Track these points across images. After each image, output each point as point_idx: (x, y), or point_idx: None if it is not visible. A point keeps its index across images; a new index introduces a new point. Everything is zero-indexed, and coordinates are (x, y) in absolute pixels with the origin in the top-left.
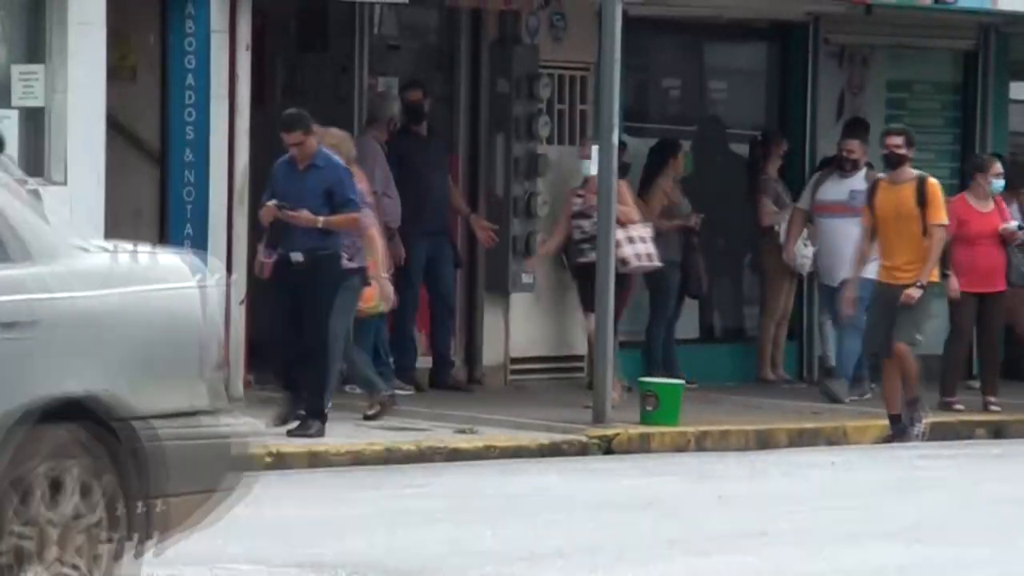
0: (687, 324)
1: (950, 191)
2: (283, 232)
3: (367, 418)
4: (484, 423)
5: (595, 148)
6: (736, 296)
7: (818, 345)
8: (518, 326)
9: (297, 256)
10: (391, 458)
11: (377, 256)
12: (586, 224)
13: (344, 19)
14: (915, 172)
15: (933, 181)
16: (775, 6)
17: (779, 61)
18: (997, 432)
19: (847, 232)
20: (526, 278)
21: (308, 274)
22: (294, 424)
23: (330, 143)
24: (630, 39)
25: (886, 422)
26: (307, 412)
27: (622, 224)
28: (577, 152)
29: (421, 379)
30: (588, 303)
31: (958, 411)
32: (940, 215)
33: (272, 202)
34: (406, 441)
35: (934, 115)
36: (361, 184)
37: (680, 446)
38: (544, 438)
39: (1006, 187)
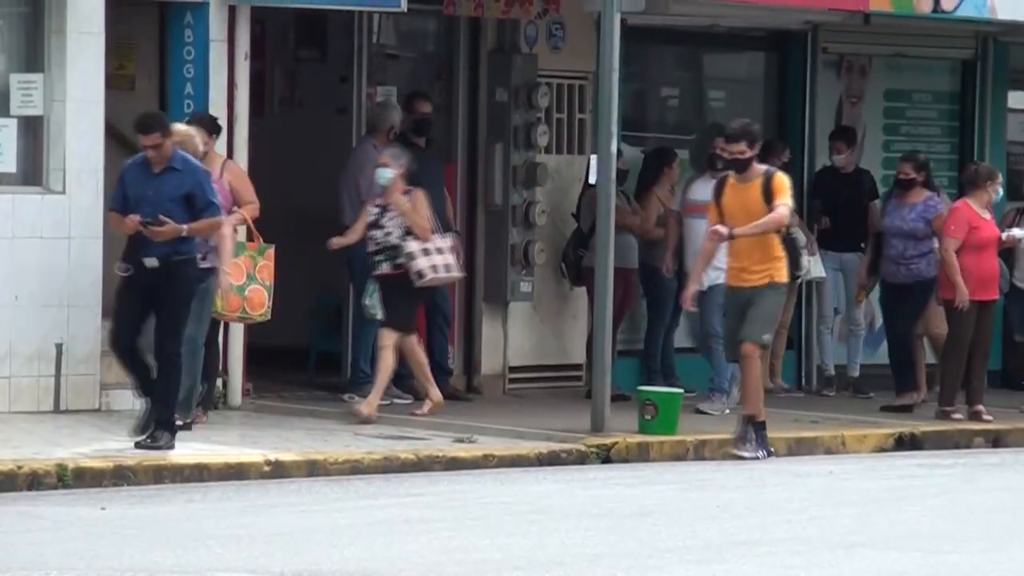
0: (685, 333)
1: (948, 200)
2: (137, 237)
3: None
4: (483, 432)
5: (594, 157)
6: None
7: (816, 354)
8: (516, 335)
9: (152, 261)
10: (390, 467)
11: (226, 254)
12: (378, 235)
13: (343, 28)
14: (763, 168)
15: (781, 175)
16: (773, 15)
17: (777, 70)
18: (995, 441)
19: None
20: (524, 287)
21: (163, 279)
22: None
23: (175, 141)
24: (629, 48)
25: (885, 431)
26: (156, 422)
27: (418, 237)
28: (376, 160)
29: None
30: (395, 319)
31: (956, 420)
32: (785, 198)
33: (137, 217)
34: (405, 450)
35: (932, 124)
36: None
37: (678, 455)
38: (543, 447)
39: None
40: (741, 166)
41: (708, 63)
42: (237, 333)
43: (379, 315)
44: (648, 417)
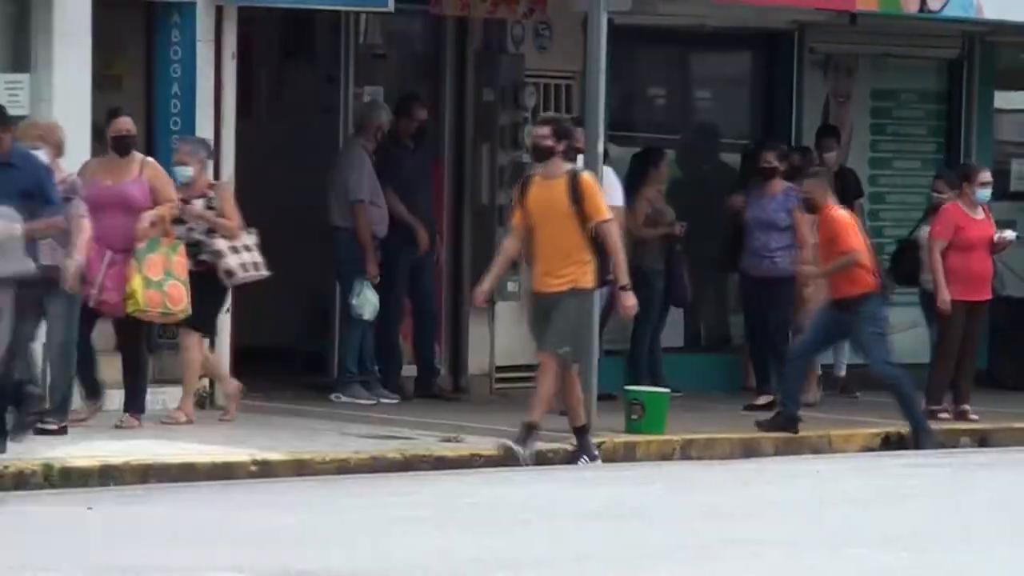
0: (672, 333)
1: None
2: None
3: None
4: (470, 431)
5: (581, 157)
6: (721, 305)
7: None
8: (503, 335)
9: None
10: (377, 466)
11: (82, 244)
12: (180, 231)
13: (329, 28)
14: (568, 166)
15: (587, 175)
16: (760, 15)
17: (764, 70)
18: (982, 441)
19: None
20: (511, 287)
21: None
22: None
23: (36, 135)
24: (616, 48)
25: (872, 431)
26: None
27: (225, 236)
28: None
29: (406, 387)
30: (195, 319)
31: (942, 419)
32: (601, 210)
33: None
34: (391, 449)
35: (919, 124)
36: (58, 175)
37: (665, 455)
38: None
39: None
40: (541, 153)
41: (695, 63)
42: (224, 333)
43: (366, 315)
44: (635, 417)
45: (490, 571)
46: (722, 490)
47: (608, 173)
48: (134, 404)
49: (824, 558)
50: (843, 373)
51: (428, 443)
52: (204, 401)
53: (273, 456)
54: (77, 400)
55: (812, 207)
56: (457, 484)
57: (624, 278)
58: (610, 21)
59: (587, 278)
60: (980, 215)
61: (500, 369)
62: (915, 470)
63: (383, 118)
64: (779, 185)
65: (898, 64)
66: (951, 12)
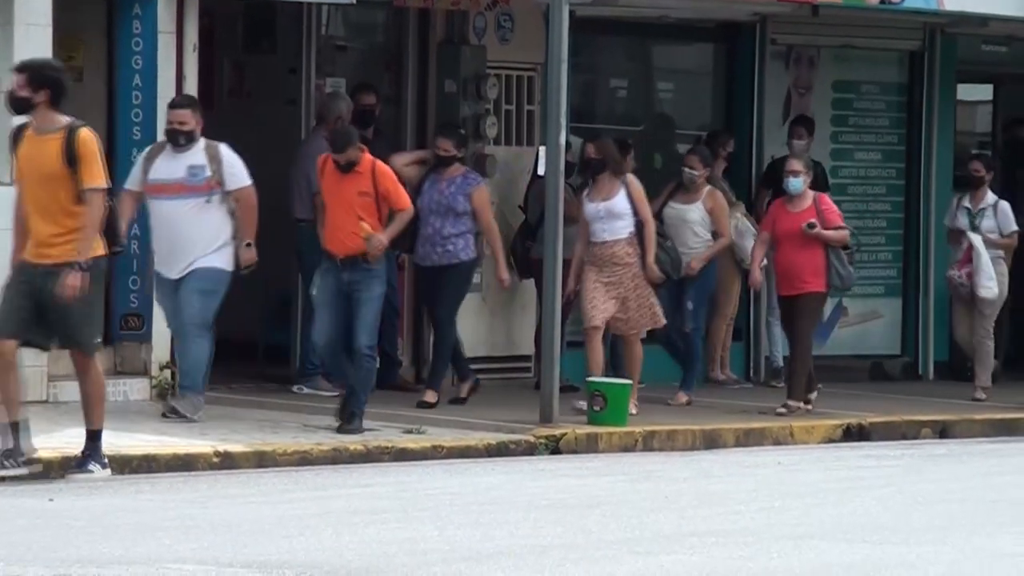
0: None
1: (896, 191)
2: None
3: None
4: (432, 423)
5: (542, 149)
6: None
7: (765, 345)
8: (465, 326)
9: None
10: (339, 458)
11: None
12: None
13: (292, 20)
14: (65, 120)
15: (86, 132)
16: (722, 7)
17: (726, 61)
18: (943, 432)
19: (185, 214)
20: (474, 278)
21: None
22: None
23: None
24: (577, 39)
25: (833, 422)
26: None
27: None
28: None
29: None
30: None
31: (802, 413)
32: (95, 176)
33: None
34: (354, 441)
35: (880, 115)
36: None
37: (627, 446)
38: (491, 438)
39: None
40: (17, 105)
41: (657, 54)
42: None
43: None
44: (597, 408)
45: (451, 562)
46: (683, 481)
47: (225, 150)
48: None
49: (785, 549)
50: None
51: (390, 435)
52: (166, 393)
53: (235, 448)
54: None
55: (349, 165)
56: (419, 476)
57: (87, 254)
58: (572, 12)
59: (95, 248)
60: (802, 207)
61: None
62: (876, 462)
63: (342, 108)
64: (458, 169)
65: (859, 56)
66: (912, 4)
